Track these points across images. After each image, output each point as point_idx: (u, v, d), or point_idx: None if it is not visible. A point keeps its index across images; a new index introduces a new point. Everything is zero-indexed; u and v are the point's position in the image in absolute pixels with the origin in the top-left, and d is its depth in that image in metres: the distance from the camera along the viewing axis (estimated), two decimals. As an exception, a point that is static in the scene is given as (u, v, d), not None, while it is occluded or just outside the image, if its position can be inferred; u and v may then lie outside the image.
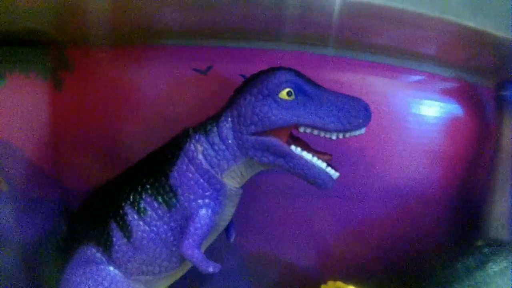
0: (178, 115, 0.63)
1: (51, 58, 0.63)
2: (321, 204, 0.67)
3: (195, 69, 0.62)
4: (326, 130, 0.44)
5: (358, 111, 0.44)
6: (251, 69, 0.49)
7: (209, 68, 0.62)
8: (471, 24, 0.45)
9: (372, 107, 0.45)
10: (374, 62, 0.65)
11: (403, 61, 0.65)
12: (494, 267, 0.57)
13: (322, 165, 0.46)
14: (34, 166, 0.61)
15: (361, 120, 0.44)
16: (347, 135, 0.45)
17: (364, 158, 0.66)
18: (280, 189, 0.66)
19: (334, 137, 0.45)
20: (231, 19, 0.52)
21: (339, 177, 0.46)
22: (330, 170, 0.46)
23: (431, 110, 0.67)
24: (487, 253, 0.59)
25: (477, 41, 0.51)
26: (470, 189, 0.71)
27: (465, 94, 0.69)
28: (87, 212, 0.52)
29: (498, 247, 0.60)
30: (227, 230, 0.55)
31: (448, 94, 0.67)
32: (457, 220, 0.71)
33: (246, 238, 0.66)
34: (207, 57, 0.63)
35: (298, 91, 0.45)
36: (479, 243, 0.63)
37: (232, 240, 0.57)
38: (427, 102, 0.67)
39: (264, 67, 0.48)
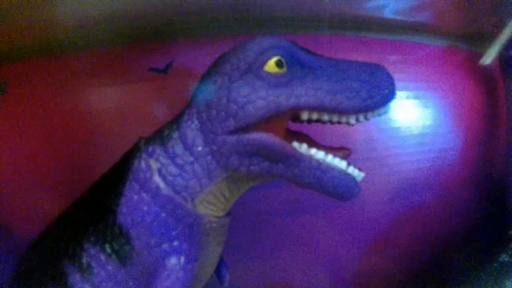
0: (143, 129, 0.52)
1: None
2: (327, 215, 0.58)
3: (151, 69, 0.51)
4: (341, 112, 0.30)
5: (380, 80, 0.31)
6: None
7: (169, 65, 0.51)
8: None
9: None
10: (368, 37, 0.59)
11: (399, 34, 0.60)
12: None
13: (341, 164, 0.32)
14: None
15: (386, 91, 0.31)
16: (369, 115, 0.31)
17: (371, 151, 0.57)
18: (277, 204, 0.56)
19: (353, 121, 0.31)
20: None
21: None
22: (353, 171, 0.32)
23: (434, 86, 0.61)
24: None
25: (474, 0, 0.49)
26: (491, 167, 0.65)
27: (468, 63, 0.64)
28: (23, 274, 0.41)
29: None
30: (217, 272, 0.43)
31: (451, 65, 0.63)
32: (485, 206, 0.65)
33: (244, 272, 0.55)
34: (167, 52, 0.53)
35: (292, 60, 0.31)
36: None
37: (226, 283, 0.43)
38: (430, 77, 0.61)
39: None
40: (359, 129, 0.53)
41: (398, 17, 0.56)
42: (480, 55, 0.65)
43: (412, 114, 0.58)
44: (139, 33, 0.51)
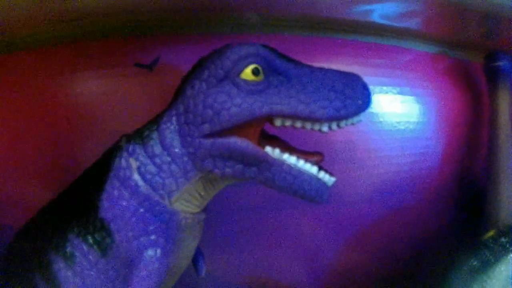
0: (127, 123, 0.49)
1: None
2: (308, 213, 0.58)
3: (137, 64, 0.50)
4: (314, 120, 0.32)
5: (355, 90, 0.32)
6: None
7: (155, 61, 0.50)
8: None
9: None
10: (356, 40, 0.58)
11: (387, 39, 0.60)
12: None
13: (313, 170, 0.33)
14: None
15: (360, 102, 0.32)
16: (343, 124, 0.33)
17: (352, 153, 0.57)
18: (256, 199, 0.55)
19: (325, 129, 0.33)
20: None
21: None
22: (323, 176, 0.33)
23: (419, 91, 0.61)
24: (504, 243, 0.53)
25: (464, 11, 0.49)
26: (470, 174, 0.66)
27: (453, 71, 0.64)
28: (9, 262, 0.43)
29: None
30: (194, 263, 0.44)
31: (437, 71, 0.63)
32: (460, 211, 0.66)
33: (222, 266, 0.56)
34: (155, 47, 0.51)
35: (268, 68, 0.32)
36: (491, 233, 0.56)
37: (203, 274, 0.45)
38: (415, 82, 0.61)
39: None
40: (340, 130, 0.55)
41: (387, 22, 0.56)
42: (467, 63, 0.65)
43: (395, 117, 0.58)
44: (127, 27, 0.51)
